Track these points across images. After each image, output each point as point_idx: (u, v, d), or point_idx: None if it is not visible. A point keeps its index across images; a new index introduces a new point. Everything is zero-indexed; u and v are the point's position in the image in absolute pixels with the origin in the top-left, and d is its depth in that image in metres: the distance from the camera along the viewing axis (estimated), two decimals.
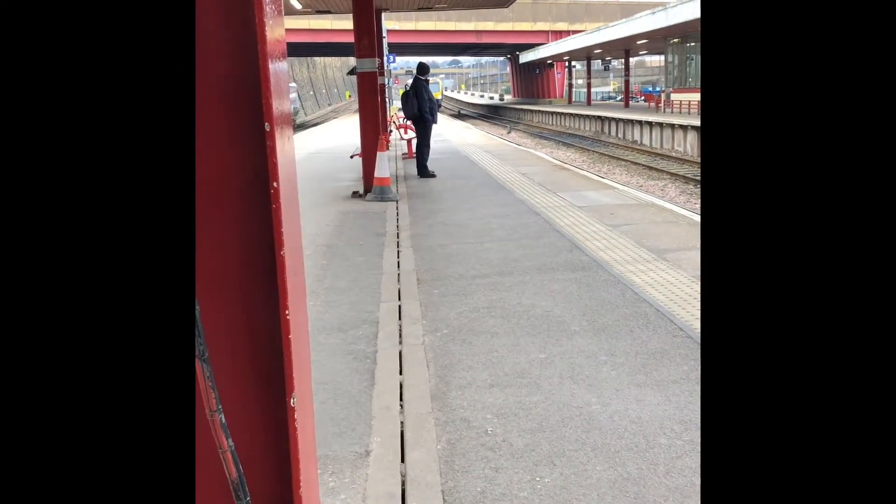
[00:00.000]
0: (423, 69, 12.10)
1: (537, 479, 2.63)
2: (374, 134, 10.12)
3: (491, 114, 60.05)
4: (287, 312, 1.33)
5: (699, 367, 3.53)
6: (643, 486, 2.57)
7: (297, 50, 52.32)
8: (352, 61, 10.16)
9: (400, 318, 4.60)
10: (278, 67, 1.32)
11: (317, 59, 77.57)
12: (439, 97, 52.86)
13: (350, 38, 10.53)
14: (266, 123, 1.27)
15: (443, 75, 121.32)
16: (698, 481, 2.58)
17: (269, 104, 1.26)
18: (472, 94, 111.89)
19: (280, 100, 1.32)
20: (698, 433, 2.92)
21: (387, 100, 22.37)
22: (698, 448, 2.80)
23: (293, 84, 48.31)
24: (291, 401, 1.37)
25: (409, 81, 12.26)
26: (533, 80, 63.14)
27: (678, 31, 28.59)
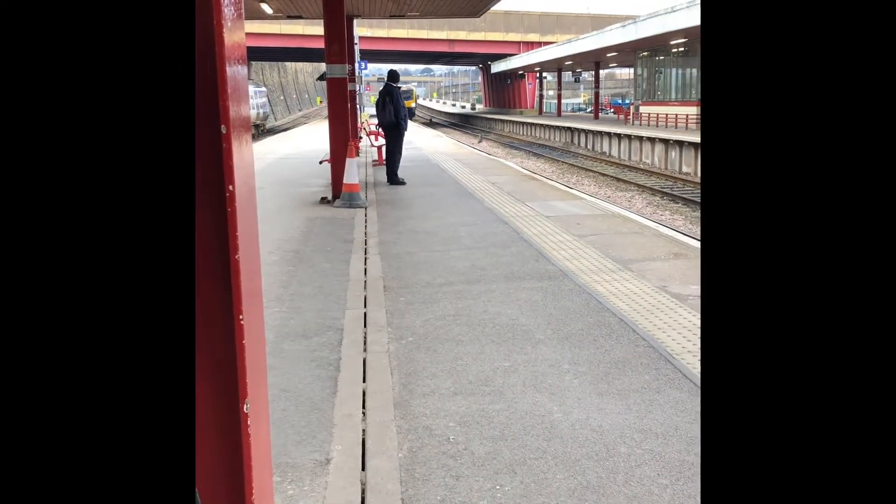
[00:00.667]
0: (394, 76, 12.11)
1: (497, 487, 2.63)
2: (343, 140, 10.09)
3: (462, 122, 60.24)
4: (241, 317, 1.31)
5: (660, 378, 3.56)
6: (602, 494, 2.58)
7: (269, 54, 52.00)
8: (324, 67, 10.15)
9: (365, 326, 4.57)
10: (236, 71, 1.31)
11: (288, 64, 77.17)
12: (413, 105, 52.87)
13: (321, 44, 10.50)
14: (222, 126, 1.25)
15: (415, 83, 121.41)
16: (657, 490, 2.60)
17: (226, 106, 1.25)
18: (444, 103, 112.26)
19: (237, 103, 1.31)
20: (658, 442, 2.95)
21: (358, 106, 22.33)
22: (658, 457, 2.83)
23: (263, 88, 47.92)
24: (245, 407, 1.35)
25: (382, 89, 12.23)
26: (504, 90, 63.50)
27: (647, 45, 29.00)
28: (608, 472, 2.73)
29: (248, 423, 1.36)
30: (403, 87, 53.82)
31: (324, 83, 10.62)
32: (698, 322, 4.47)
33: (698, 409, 3.25)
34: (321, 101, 73.28)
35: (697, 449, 2.89)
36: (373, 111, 16.45)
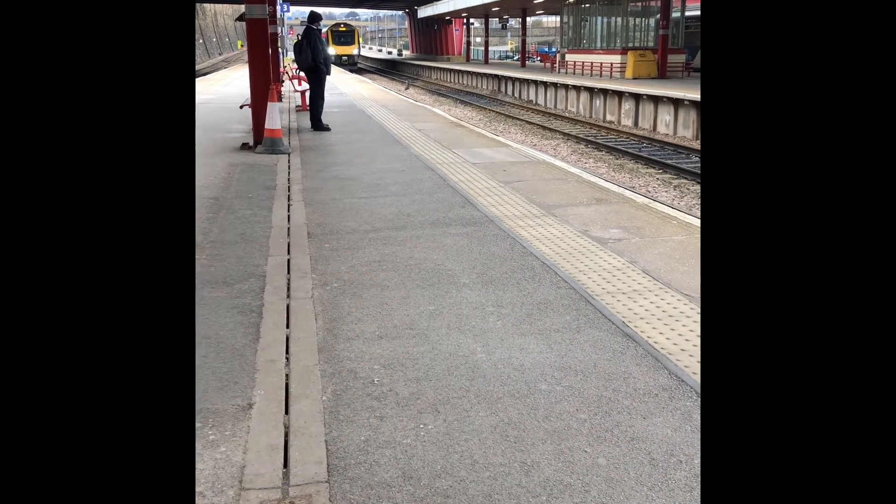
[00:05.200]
0: (314, 17, 11.72)
1: (421, 426, 2.67)
2: (265, 84, 9.77)
3: (389, 69, 59.22)
4: None
5: (580, 318, 3.64)
6: (523, 430, 2.65)
7: None
8: (244, 9, 9.70)
9: (289, 272, 4.51)
10: None
11: (207, 5, 73.73)
12: (354, 52, 51.45)
13: None
14: None
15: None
16: (575, 424, 2.69)
17: None
18: (370, 48, 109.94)
19: None
20: (577, 379, 3.04)
21: (280, 50, 21.62)
22: (577, 393, 2.92)
23: None
24: None
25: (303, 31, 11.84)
26: (432, 37, 62.55)
27: None
28: (529, 409, 2.80)
29: None
30: (343, 27, 52.29)
31: (245, 27, 10.19)
32: (618, 264, 4.59)
33: (616, 346, 3.36)
34: (242, 45, 70.61)
35: (615, 384, 2.99)
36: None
